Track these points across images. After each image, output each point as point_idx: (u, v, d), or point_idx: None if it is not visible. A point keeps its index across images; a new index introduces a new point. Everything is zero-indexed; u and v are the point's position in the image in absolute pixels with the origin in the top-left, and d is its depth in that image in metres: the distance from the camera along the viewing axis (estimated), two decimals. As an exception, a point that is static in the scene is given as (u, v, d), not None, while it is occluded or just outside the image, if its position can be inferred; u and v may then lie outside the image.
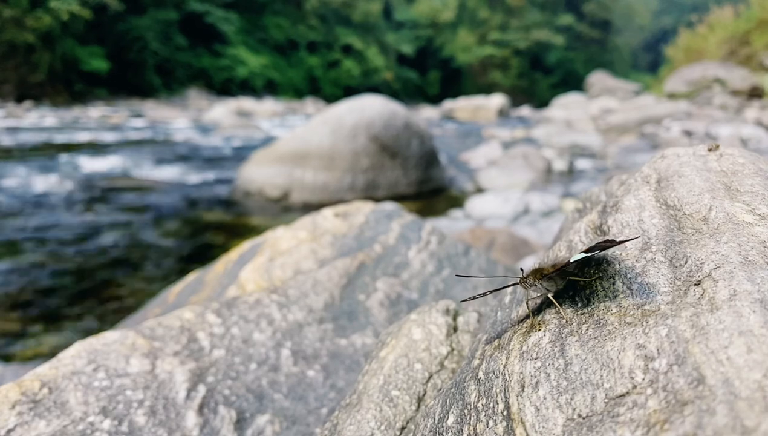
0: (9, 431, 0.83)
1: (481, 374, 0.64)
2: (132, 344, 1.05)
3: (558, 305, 0.60)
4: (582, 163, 7.08)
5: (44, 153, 8.10)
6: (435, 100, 38.22)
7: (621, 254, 0.62)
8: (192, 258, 3.55)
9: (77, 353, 1.00)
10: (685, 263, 0.55)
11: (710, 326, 0.45)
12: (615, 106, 13.27)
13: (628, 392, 0.46)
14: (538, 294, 0.63)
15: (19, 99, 22.08)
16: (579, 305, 0.59)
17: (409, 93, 43.00)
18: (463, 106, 18.98)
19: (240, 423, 0.96)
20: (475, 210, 4.56)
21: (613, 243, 0.58)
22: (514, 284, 0.66)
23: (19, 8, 22.94)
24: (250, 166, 5.32)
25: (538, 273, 0.62)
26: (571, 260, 0.58)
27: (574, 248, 0.73)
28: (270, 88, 35.04)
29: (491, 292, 0.66)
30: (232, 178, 5.82)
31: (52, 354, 1.42)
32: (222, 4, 34.24)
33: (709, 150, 0.76)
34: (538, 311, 0.64)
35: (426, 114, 19.75)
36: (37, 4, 23.82)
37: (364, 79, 40.32)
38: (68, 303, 2.79)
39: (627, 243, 0.63)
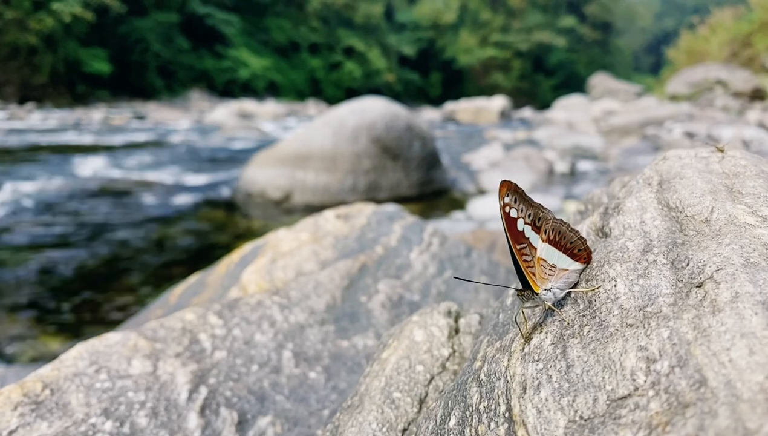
0: (11, 432, 0.84)
1: (482, 376, 0.64)
2: (134, 346, 1.05)
3: (558, 312, 0.60)
4: (584, 165, 7.08)
5: (46, 155, 8.12)
6: (437, 101, 38.23)
7: (623, 256, 0.62)
8: (194, 259, 3.55)
9: (79, 355, 1.01)
10: (687, 264, 0.55)
11: (712, 328, 0.45)
12: (617, 108, 13.27)
13: (629, 394, 0.45)
14: (536, 304, 0.63)
15: (22, 101, 22.15)
16: (581, 306, 0.59)
17: (410, 95, 43.04)
18: (464, 107, 18.97)
19: (241, 425, 0.96)
20: (476, 212, 4.56)
21: None
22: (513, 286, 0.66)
23: (22, 10, 23.01)
24: (252, 167, 5.32)
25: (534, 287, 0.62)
26: None
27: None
28: (272, 90, 35.09)
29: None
30: (234, 180, 5.83)
31: (54, 356, 1.42)
32: (224, 6, 34.32)
33: (719, 150, 0.76)
34: (542, 314, 0.64)
35: (428, 116, 19.76)
36: (40, 6, 23.90)
37: (366, 81, 40.36)
38: (70, 304, 2.79)
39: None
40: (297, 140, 5.35)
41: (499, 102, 18.97)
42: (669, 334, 0.47)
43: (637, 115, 10.30)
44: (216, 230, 4.35)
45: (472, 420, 0.61)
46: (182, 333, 1.12)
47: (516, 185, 0.61)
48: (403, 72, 45.45)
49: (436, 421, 0.68)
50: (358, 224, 1.74)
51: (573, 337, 0.56)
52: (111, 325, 2.46)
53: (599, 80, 21.94)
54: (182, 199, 5.28)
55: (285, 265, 1.55)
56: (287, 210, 4.87)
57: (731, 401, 0.39)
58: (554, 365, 0.54)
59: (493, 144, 8.69)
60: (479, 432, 0.58)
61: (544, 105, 32.28)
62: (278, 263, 1.57)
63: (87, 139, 10.54)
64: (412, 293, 1.41)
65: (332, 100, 30.71)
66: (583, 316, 0.58)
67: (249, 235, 3.89)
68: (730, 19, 17.54)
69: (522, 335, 0.62)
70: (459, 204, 5.17)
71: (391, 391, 0.79)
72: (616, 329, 0.52)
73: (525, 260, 0.61)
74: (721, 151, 0.76)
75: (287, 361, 1.12)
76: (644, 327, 0.50)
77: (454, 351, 0.86)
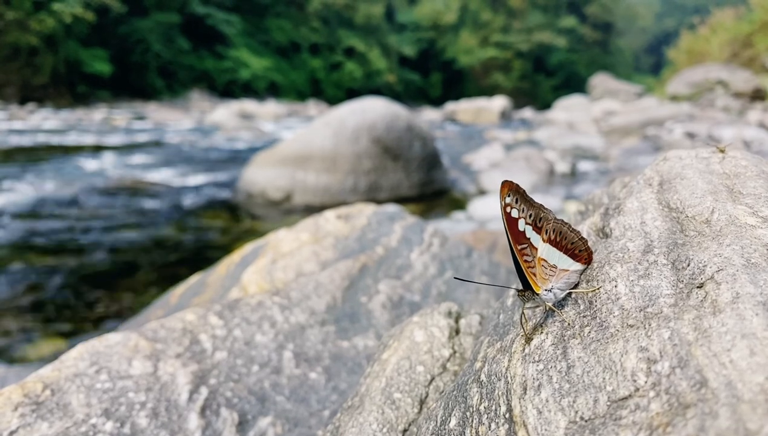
0: (12, 432, 0.84)
1: (483, 377, 0.64)
2: (134, 346, 1.05)
3: (559, 312, 0.60)
4: (584, 166, 7.08)
5: (47, 155, 8.13)
6: (437, 102, 38.22)
7: (623, 257, 0.62)
8: (194, 260, 3.56)
9: (80, 355, 1.01)
10: (688, 265, 0.54)
11: (713, 328, 0.45)
12: (617, 108, 13.26)
13: (630, 395, 0.45)
14: (537, 305, 0.63)
15: (23, 101, 22.16)
16: (581, 307, 0.59)
17: (411, 95, 43.02)
18: (465, 108, 18.97)
19: (242, 425, 0.96)
20: (477, 212, 4.56)
21: None
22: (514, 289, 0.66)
23: (23, 11, 23.02)
24: (253, 168, 5.33)
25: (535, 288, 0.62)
26: None
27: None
28: (272, 90, 35.10)
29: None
30: (235, 180, 5.83)
31: (54, 356, 1.42)
32: (224, 7, 34.33)
33: (720, 151, 0.76)
34: (543, 315, 0.64)
35: (428, 116, 19.76)
36: (41, 7, 23.90)
37: (367, 82, 40.36)
38: (71, 305, 2.80)
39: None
40: (297, 141, 5.35)
41: (499, 102, 18.98)
42: (670, 335, 0.47)
43: (637, 115, 10.30)
44: (216, 230, 4.35)
45: (472, 421, 0.61)
46: (183, 334, 1.12)
47: (517, 185, 0.61)
48: (404, 72, 45.44)
49: (436, 421, 0.68)
50: (358, 224, 1.74)
51: (573, 338, 0.56)
52: (111, 325, 2.46)
53: (600, 80, 21.93)
54: (183, 200, 5.28)
55: (285, 265, 1.55)
56: (287, 210, 4.87)
57: (732, 402, 0.39)
58: (555, 366, 0.54)
59: (493, 144, 8.69)
60: (480, 433, 0.58)
61: (544, 105, 32.29)
62: (279, 264, 1.57)
63: (88, 140, 10.54)
64: (412, 294, 1.41)
65: (333, 101, 30.72)
66: (584, 316, 0.57)
67: (249, 235, 3.90)
68: (730, 19, 17.56)
69: (523, 335, 0.62)
70: (459, 204, 5.17)
71: (392, 391, 0.79)
72: (617, 330, 0.52)
73: (526, 261, 0.61)
74: (722, 151, 0.76)
75: (288, 361, 1.12)
76: (645, 328, 0.50)
77: (455, 352, 0.86)
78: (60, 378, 0.95)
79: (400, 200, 4.94)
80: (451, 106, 19.81)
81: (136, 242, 3.95)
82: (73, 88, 25.65)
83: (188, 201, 5.25)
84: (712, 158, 0.75)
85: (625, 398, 0.46)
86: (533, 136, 11.01)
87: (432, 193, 5.61)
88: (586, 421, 0.47)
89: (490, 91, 36.20)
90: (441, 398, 0.73)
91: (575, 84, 41.85)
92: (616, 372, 0.48)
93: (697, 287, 0.51)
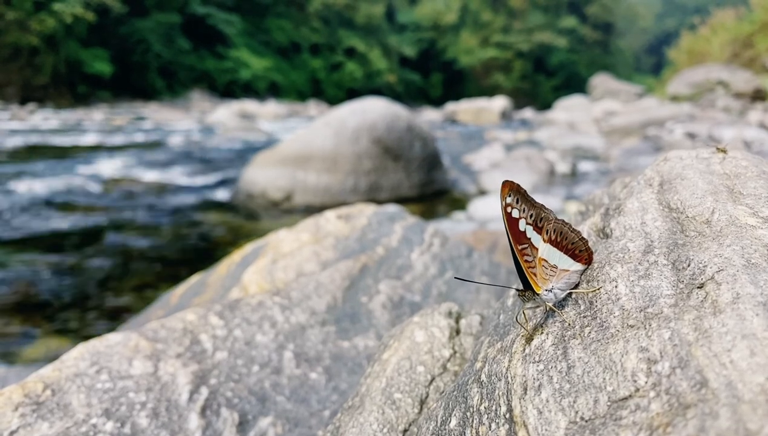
0: (12, 432, 0.84)
1: (483, 377, 0.64)
2: (135, 346, 1.05)
3: (559, 312, 0.60)
4: (585, 166, 7.07)
5: (48, 155, 8.13)
6: (437, 102, 38.20)
7: (624, 257, 0.62)
8: (194, 260, 3.55)
9: (80, 355, 1.01)
10: (688, 265, 0.54)
11: (713, 329, 0.45)
12: (618, 109, 13.26)
13: (630, 395, 0.45)
14: (537, 305, 0.63)
15: (23, 101, 22.18)
16: (582, 307, 0.59)
17: (411, 95, 43.02)
18: (465, 108, 18.95)
19: (242, 425, 0.96)
20: (477, 212, 4.56)
21: None
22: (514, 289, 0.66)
23: (23, 11, 23.05)
24: (253, 168, 5.32)
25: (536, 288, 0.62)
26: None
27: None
28: (273, 91, 35.12)
29: None
30: (235, 181, 5.83)
31: (54, 356, 1.42)
32: (224, 7, 34.35)
33: (721, 151, 0.76)
34: (543, 315, 0.64)
35: (428, 116, 19.76)
36: (41, 7, 23.92)
37: (367, 82, 40.36)
38: (71, 305, 2.79)
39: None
40: (298, 141, 5.35)
41: (500, 102, 18.97)
42: (670, 335, 0.47)
43: (638, 115, 10.29)
44: (217, 230, 4.35)
45: (472, 421, 0.61)
46: (183, 334, 1.12)
47: (518, 185, 0.61)
48: (404, 72, 45.45)
49: (436, 422, 0.68)
50: (358, 224, 1.74)
51: (574, 338, 0.56)
52: (112, 325, 2.46)
53: (600, 81, 21.93)
54: (183, 200, 5.28)
55: (286, 265, 1.55)
56: (288, 211, 4.87)
57: (732, 402, 0.39)
58: (555, 366, 0.54)
59: (493, 144, 8.69)
60: (480, 433, 0.58)
61: (545, 105, 32.30)
62: (279, 264, 1.57)
63: (88, 140, 10.55)
64: (413, 294, 1.41)
65: (333, 101, 30.71)
66: (584, 317, 0.57)
67: (250, 235, 3.89)
68: (731, 19, 17.56)
69: (523, 335, 0.62)
70: (460, 205, 5.17)
71: (392, 392, 0.79)
72: (617, 330, 0.52)
73: (526, 261, 0.61)
74: (723, 152, 0.76)
75: (288, 362, 1.12)
76: (645, 328, 0.50)
77: (455, 352, 0.86)
78: (60, 378, 0.95)
79: (401, 200, 4.94)
80: (451, 107, 19.80)
81: (137, 241, 3.95)
82: (73, 89, 25.68)
83: (189, 201, 5.25)
84: (712, 159, 0.75)
85: (625, 399, 0.46)
86: (534, 136, 11.00)
87: (432, 193, 5.61)
88: (586, 421, 0.47)
89: (490, 92, 36.16)
90: (441, 398, 0.73)
91: (576, 84, 41.83)
92: (617, 372, 0.48)
93: (698, 288, 0.51)
